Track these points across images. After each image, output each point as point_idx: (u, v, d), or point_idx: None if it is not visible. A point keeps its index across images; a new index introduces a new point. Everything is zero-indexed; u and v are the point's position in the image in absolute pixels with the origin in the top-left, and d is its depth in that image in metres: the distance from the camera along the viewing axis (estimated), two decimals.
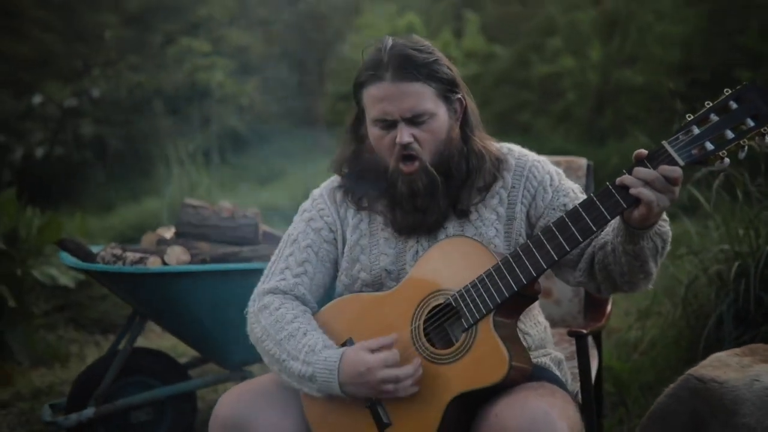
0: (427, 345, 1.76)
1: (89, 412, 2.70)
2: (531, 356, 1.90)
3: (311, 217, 1.99)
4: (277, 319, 1.86)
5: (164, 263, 2.63)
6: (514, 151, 1.97)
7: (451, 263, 1.78)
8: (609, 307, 2.53)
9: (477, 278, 1.73)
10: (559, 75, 9.77)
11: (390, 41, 1.84)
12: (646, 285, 1.81)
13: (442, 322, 1.78)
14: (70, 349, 4.06)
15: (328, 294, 2.01)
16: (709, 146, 1.57)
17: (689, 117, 1.60)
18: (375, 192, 1.91)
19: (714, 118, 1.58)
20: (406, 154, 1.82)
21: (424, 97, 1.80)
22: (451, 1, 12.46)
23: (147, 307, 2.69)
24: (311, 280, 1.95)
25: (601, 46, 9.51)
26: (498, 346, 1.67)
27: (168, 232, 2.93)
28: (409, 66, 1.79)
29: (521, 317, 1.91)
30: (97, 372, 2.79)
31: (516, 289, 1.69)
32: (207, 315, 2.60)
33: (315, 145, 10.95)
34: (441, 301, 1.77)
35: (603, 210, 1.63)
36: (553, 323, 2.68)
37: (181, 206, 2.87)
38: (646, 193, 1.57)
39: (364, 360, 1.71)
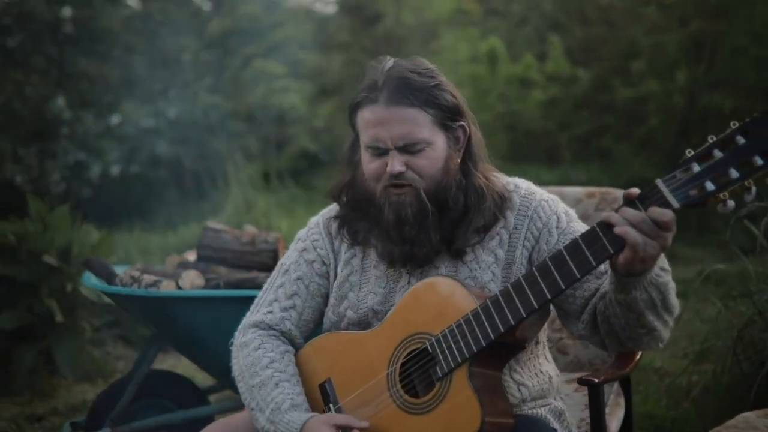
0: (402, 392, 1.65)
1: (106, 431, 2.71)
2: (526, 407, 1.77)
3: (305, 248, 1.91)
4: (254, 361, 1.79)
5: (178, 287, 2.61)
6: (520, 188, 1.82)
7: (432, 305, 1.66)
8: (639, 355, 2.33)
9: (455, 323, 1.61)
10: (642, 99, 9.42)
11: (390, 62, 1.74)
12: (653, 343, 1.64)
13: (420, 368, 1.66)
14: (116, 366, 4.13)
15: (317, 329, 1.93)
16: (710, 186, 1.40)
17: (689, 153, 1.44)
18: (367, 223, 1.82)
19: (718, 154, 1.41)
20: (397, 183, 1.71)
21: (419, 124, 1.68)
22: (535, 25, 12.27)
23: (160, 329, 2.68)
24: (299, 315, 1.87)
25: (688, 69, 9.12)
26: (471, 399, 1.54)
27: (192, 255, 2.92)
28: (406, 90, 1.67)
29: (518, 366, 1.77)
30: (117, 392, 2.80)
31: (493, 337, 1.56)
32: (217, 340, 2.55)
33: None
34: (419, 345, 1.66)
35: (588, 255, 1.49)
36: (580, 366, 2.51)
37: (202, 230, 2.85)
38: (631, 233, 1.42)
39: None
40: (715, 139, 1.43)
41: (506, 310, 1.55)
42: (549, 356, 1.95)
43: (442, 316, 1.63)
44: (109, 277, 2.78)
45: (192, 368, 3.82)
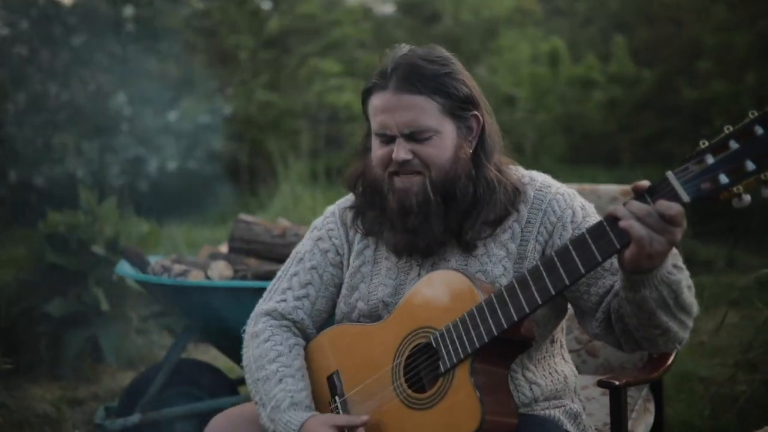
0: (405, 386, 1.62)
1: (135, 418, 2.76)
2: (538, 407, 1.72)
3: (320, 237, 1.90)
4: (261, 354, 1.79)
5: (207, 277, 2.64)
6: (536, 181, 1.77)
7: (438, 299, 1.63)
8: (670, 360, 2.24)
9: (459, 318, 1.57)
10: (708, 100, 9.11)
11: (403, 49, 1.71)
12: (669, 344, 1.57)
13: (424, 363, 1.63)
14: (159, 355, 4.20)
15: (330, 319, 1.92)
16: (724, 179, 1.32)
17: (703, 144, 1.37)
18: (376, 213, 1.79)
19: (734, 145, 1.34)
20: (402, 171, 1.68)
21: (427, 112, 1.65)
22: (600, 25, 12.02)
23: (190, 319, 2.72)
24: (312, 305, 1.87)
25: (757, 70, 8.77)
26: (472, 396, 1.50)
27: (225, 247, 2.95)
28: (414, 77, 1.65)
29: (531, 365, 1.72)
30: (148, 379, 2.85)
31: (495, 333, 1.51)
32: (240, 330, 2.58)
33: None
34: (423, 339, 1.62)
35: (594, 250, 1.43)
36: (611, 369, 2.43)
37: (235, 222, 2.88)
38: (636, 227, 1.35)
39: None
40: (731, 129, 1.35)
41: (510, 305, 1.51)
42: (567, 356, 1.89)
43: (447, 311, 1.59)
44: (142, 266, 2.84)
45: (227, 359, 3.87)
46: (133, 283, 4.22)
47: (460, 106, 1.68)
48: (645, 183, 1.39)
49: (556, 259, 1.47)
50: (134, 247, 2.94)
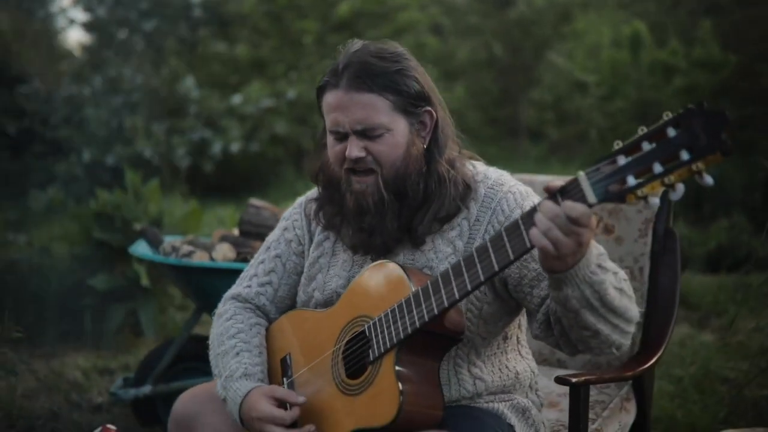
0: (341, 372, 1.67)
1: (146, 389, 2.92)
2: (482, 400, 1.75)
3: (286, 227, 1.97)
4: (223, 331, 1.88)
5: (212, 258, 2.75)
6: (489, 179, 1.76)
7: (375, 289, 1.67)
8: (651, 361, 2.19)
9: (390, 309, 1.60)
10: None
11: (355, 46, 1.73)
12: (604, 347, 1.56)
13: (358, 351, 1.67)
14: (196, 330, 4.39)
15: (294, 306, 1.98)
16: (631, 181, 1.30)
17: (617, 144, 1.35)
18: (334, 207, 1.84)
19: (646, 146, 1.31)
20: (358, 169, 1.72)
21: (377, 109, 1.66)
22: (688, 8, 11.54)
23: (197, 298, 2.84)
24: (275, 292, 1.94)
25: None
26: (392, 386, 1.53)
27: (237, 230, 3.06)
28: (365, 75, 1.66)
29: (479, 361, 1.75)
30: (162, 354, 3.00)
31: (418, 326, 1.54)
32: None
33: (514, 153, 10.74)
34: (360, 328, 1.67)
35: (508, 246, 1.43)
36: (597, 367, 2.39)
37: (246, 206, 2.98)
38: (534, 233, 1.35)
39: (259, 408, 1.68)
40: (645, 130, 1.33)
41: (432, 299, 1.53)
42: (526, 353, 1.89)
43: (382, 301, 1.63)
44: (158, 246, 2.98)
45: None
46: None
47: (411, 103, 1.69)
48: (556, 183, 1.38)
49: (475, 255, 1.48)
50: (152, 227, 3.08)
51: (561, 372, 2.38)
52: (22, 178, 7.77)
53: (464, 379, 1.74)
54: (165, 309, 4.31)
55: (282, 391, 1.70)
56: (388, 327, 1.59)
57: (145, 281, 4.14)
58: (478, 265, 1.47)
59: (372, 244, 1.74)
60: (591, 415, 2.08)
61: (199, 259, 2.74)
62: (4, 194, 7.25)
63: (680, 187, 1.29)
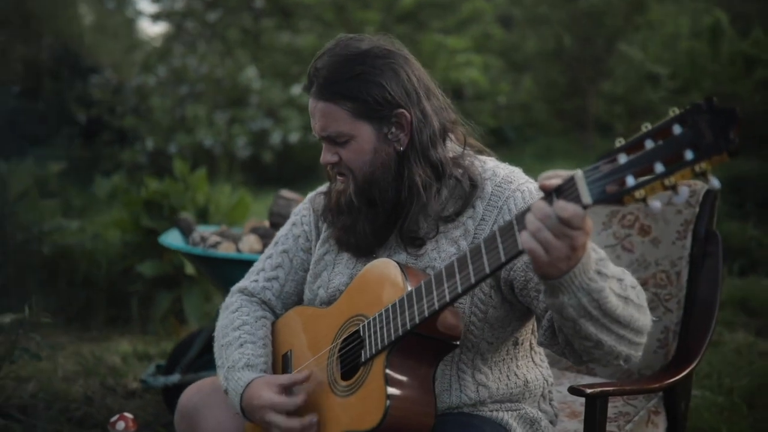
0: (335, 372, 1.62)
1: (174, 378, 2.94)
2: (486, 409, 1.67)
3: (294, 222, 1.93)
4: (228, 323, 1.86)
5: (238, 250, 2.74)
6: (497, 176, 1.67)
7: (372, 287, 1.61)
8: (686, 372, 2.05)
9: (384, 309, 1.53)
10: None
11: (325, 49, 1.66)
12: (610, 359, 1.45)
13: (354, 350, 1.61)
14: None
15: (301, 302, 1.94)
16: (631, 181, 1.19)
17: (620, 142, 1.24)
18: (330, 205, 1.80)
19: (649, 144, 1.20)
20: (337, 172, 1.69)
21: (336, 118, 1.61)
22: None
23: (219, 288, 2.84)
24: (282, 287, 1.90)
25: None
26: (380, 390, 1.47)
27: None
28: (326, 83, 1.61)
29: (485, 366, 1.67)
30: (192, 343, 3.01)
31: (409, 328, 1.46)
32: None
33: (582, 147, 10.45)
34: (355, 327, 1.61)
35: (501, 248, 1.34)
36: (628, 375, 2.26)
37: (275, 197, 2.95)
38: (524, 237, 1.26)
39: (261, 396, 1.64)
40: (650, 127, 1.21)
41: (424, 300, 1.46)
42: (540, 359, 1.79)
43: (378, 299, 1.57)
44: (190, 235, 2.99)
45: None
46: None
47: (374, 108, 1.61)
48: (553, 182, 1.28)
49: (468, 256, 1.40)
50: (187, 217, 3.09)
51: (589, 379, 2.26)
52: (92, 165, 8.02)
53: (467, 385, 1.66)
54: (210, 297, 4.35)
55: (284, 378, 1.67)
56: (381, 328, 1.52)
57: (189, 269, 4.18)
58: (470, 267, 1.39)
59: (348, 243, 1.73)
60: (612, 428, 1.96)
61: (225, 250, 2.72)
62: (74, 180, 7.50)
63: (684, 191, 1.17)
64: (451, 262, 1.43)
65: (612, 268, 1.39)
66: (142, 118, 7.86)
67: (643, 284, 2.23)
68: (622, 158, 1.22)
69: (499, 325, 1.64)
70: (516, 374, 1.71)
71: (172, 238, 2.99)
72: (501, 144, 9.68)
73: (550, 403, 1.80)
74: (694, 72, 9.75)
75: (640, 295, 1.45)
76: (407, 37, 9.19)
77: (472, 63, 8.34)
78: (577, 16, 10.01)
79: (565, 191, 1.25)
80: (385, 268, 1.59)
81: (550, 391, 1.80)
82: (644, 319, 1.44)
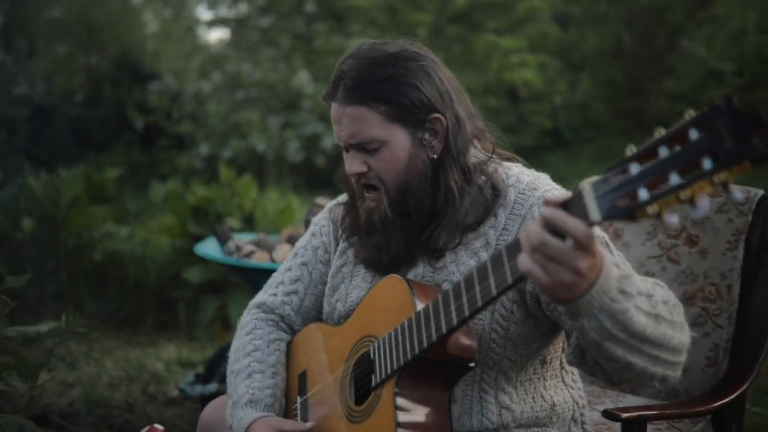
0: (348, 396, 1.56)
1: (212, 387, 2.93)
2: None
3: (314, 233, 1.87)
4: (241, 346, 1.81)
5: (272, 259, 2.71)
6: (521, 182, 1.59)
7: (383, 306, 1.54)
8: (743, 388, 1.91)
9: (394, 330, 1.47)
10: None
11: (350, 52, 1.59)
12: (644, 380, 1.35)
13: (365, 373, 1.55)
14: None
15: (321, 316, 1.89)
16: (644, 195, 1.09)
17: (631, 150, 1.14)
18: (352, 219, 1.72)
19: (664, 152, 1.11)
20: (363, 184, 1.60)
21: (369, 122, 1.52)
22: None
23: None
24: (301, 302, 1.84)
25: None
26: (390, 417, 1.40)
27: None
28: (355, 86, 1.53)
29: (510, 386, 1.58)
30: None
31: (417, 352, 1.39)
32: None
33: None
34: (366, 349, 1.55)
35: (507, 269, 1.25)
36: (674, 395, 2.13)
37: (311, 205, 2.92)
38: (522, 259, 1.16)
39: None
40: (663, 133, 1.12)
41: (432, 322, 1.38)
42: (571, 380, 1.68)
43: (388, 319, 1.50)
44: (226, 243, 2.98)
45: None
46: None
47: (410, 111, 1.53)
48: (558, 197, 1.19)
49: (475, 275, 1.32)
50: (224, 225, 3.09)
51: (631, 400, 2.13)
52: (149, 170, 8.19)
53: (488, 407, 1.57)
54: None
55: (288, 424, 1.62)
56: (390, 351, 1.46)
57: (234, 276, 4.20)
58: (477, 288, 1.31)
59: (380, 262, 1.63)
60: None
61: (259, 259, 2.70)
62: (131, 186, 7.66)
63: (703, 204, 1.07)
64: (458, 281, 1.36)
65: (638, 284, 1.29)
66: (197, 124, 7.98)
67: (690, 298, 2.10)
68: (634, 168, 1.12)
69: (522, 342, 1.56)
70: (542, 396, 1.62)
71: (210, 246, 2.99)
72: (557, 145, 9.47)
73: (582, 427, 1.69)
74: (763, 68, 9.35)
75: (674, 311, 1.35)
76: (460, 38, 9.09)
77: (526, 63, 8.18)
78: (637, 12, 9.72)
79: (571, 207, 1.16)
80: (394, 286, 1.52)
81: (582, 414, 1.70)
82: (680, 336, 1.34)
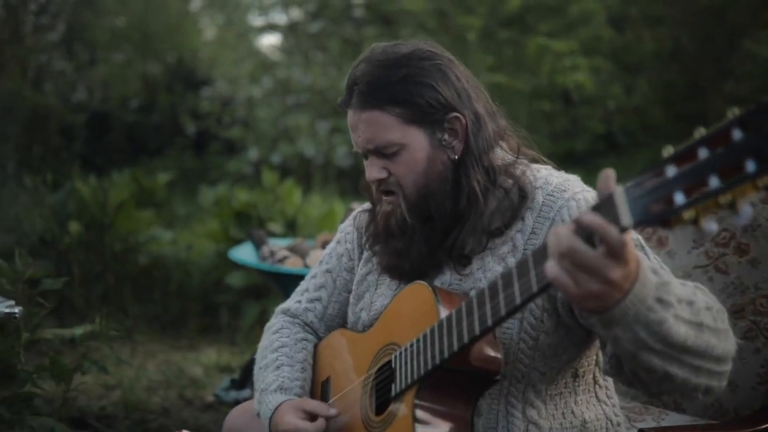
0: (369, 405, 1.49)
1: (246, 392, 2.90)
2: None
3: (338, 240, 1.83)
4: (268, 344, 1.79)
5: (305, 264, 2.67)
6: (549, 184, 1.51)
7: (406, 314, 1.47)
8: None
9: (416, 338, 1.40)
10: None
11: (362, 57, 1.54)
12: (684, 392, 1.26)
13: (386, 382, 1.48)
14: None
15: (345, 324, 1.83)
16: (680, 199, 1.00)
17: (668, 151, 1.05)
18: (374, 226, 1.66)
19: (704, 154, 1.01)
20: (382, 189, 1.54)
21: (385, 126, 1.47)
22: None
23: None
24: (324, 309, 1.80)
25: None
26: (408, 430, 1.32)
27: None
28: (368, 90, 1.48)
29: (538, 400, 1.50)
30: None
31: (438, 362, 1.31)
32: None
33: None
34: (387, 357, 1.48)
35: (533, 276, 1.17)
36: (722, 413, 2.00)
37: (346, 210, 2.86)
38: (550, 266, 1.08)
39: (286, 421, 1.55)
40: (704, 133, 1.02)
41: (454, 331, 1.30)
42: (605, 396, 1.59)
43: (411, 326, 1.43)
44: (261, 248, 2.95)
45: None
46: None
47: (426, 112, 1.47)
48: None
49: (500, 281, 1.24)
50: (260, 230, 3.06)
51: (675, 417, 2.00)
52: (200, 175, 8.28)
53: (515, 422, 1.49)
54: None
55: (312, 404, 1.57)
56: (411, 360, 1.39)
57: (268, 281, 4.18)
58: (501, 295, 1.23)
59: (402, 268, 1.57)
60: None
61: (292, 264, 2.66)
62: (182, 191, 7.75)
63: (746, 210, 0.97)
64: (482, 289, 1.28)
65: (678, 290, 1.20)
66: (248, 129, 8.02)
67: (740, 311, 1.97)
68: (671, 171, 1.02)
69: (552, 353, 1.47)
70: (573, 412, 1.52)
71: (246, 251, 2.97)
72: (611, 150, 9.24)
73: None
74: None
75: (718, 317, 1.25)
76: (511, 41, 8.95)
77: (578, 66, 7.98)
78: (696, 13, 9.42)
79: (601, 211, 1.07)
80: (419, 292, 1.45)
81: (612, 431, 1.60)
82: (725, 344, 1.24)
